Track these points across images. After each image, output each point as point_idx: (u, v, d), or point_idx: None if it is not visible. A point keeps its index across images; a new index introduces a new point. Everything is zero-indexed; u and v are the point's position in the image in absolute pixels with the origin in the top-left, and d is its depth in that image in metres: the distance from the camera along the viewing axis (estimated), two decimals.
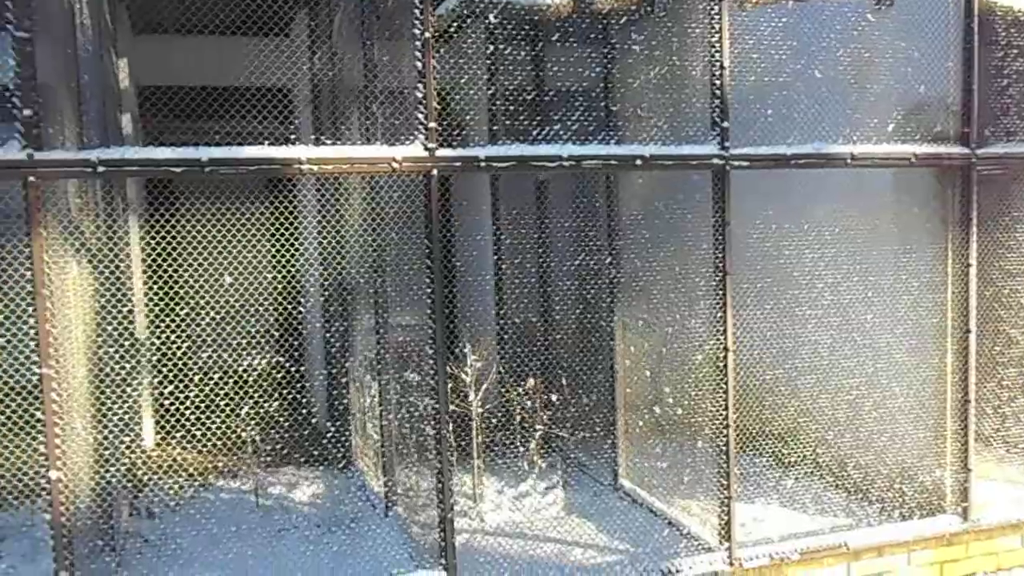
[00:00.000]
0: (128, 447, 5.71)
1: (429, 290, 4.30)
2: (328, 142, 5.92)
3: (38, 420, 3.77)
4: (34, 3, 3.73)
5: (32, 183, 3.67)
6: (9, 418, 4.04)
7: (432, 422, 4.41)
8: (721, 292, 4.70)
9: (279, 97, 6.09)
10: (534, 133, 4.85)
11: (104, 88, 6.36)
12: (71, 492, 3.88)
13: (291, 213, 8.50)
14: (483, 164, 4.33)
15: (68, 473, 3.84)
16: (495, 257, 7.30)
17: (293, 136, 8.61)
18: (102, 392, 4.93)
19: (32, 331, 3.71)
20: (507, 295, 7.25)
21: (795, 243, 5.09)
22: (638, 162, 4.55)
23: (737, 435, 4.81)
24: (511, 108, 5.64)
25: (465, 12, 4.65)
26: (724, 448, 4.77)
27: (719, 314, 4.72)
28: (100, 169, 3.76)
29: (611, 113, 5.87)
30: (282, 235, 6.35)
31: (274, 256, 6.40)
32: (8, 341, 3.84)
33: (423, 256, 4.29)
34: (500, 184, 7.41)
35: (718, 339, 4.75)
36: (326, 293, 7.06)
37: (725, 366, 4.72)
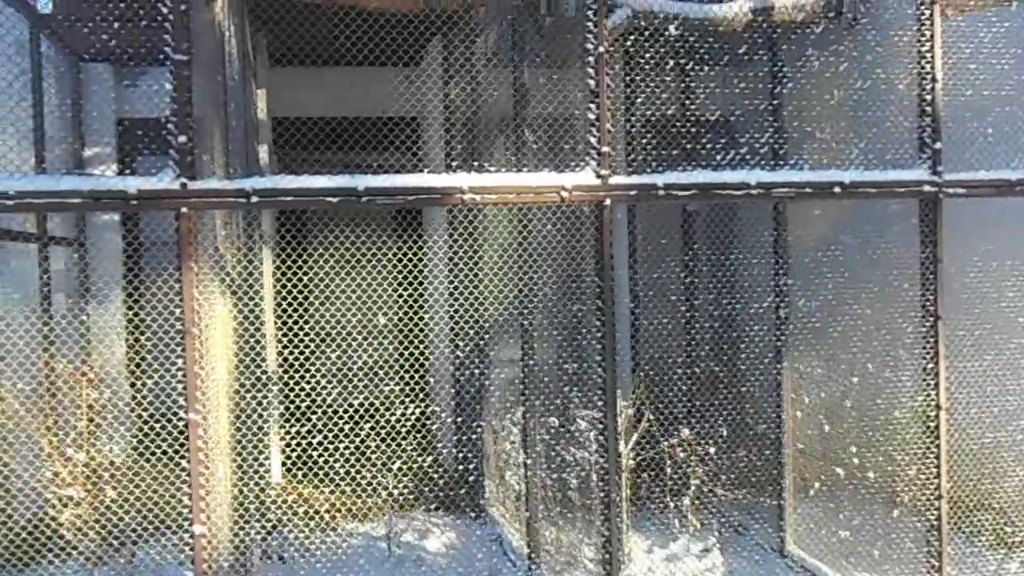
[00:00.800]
0: (261, 489, 5.47)
1: (599, 334, 3.83)
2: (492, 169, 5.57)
3: (182, 469, 3.50)
4: (191, 27, 3.53)
5: (185, 214, 3.43)
6: (154, 466, 3.79)
7: (598, 481, 3.91)
8: (932, 340, 4.03)
9: (410, 127, 5.83)
10: (709, 159, 4.33)
11: (246, 118, 6.26)
12: (213, 545, 3.58)
13: (424, 244, 8.25)
14: (662, 192, 3.85)
15: (212, 527, 3.54)
16: (631, 294, 6.78)
17: (423, 166, 8.41)
18: (239, 433, 4.68)
19: (180, 372, 3.45)
20: (650, 336, 6.70)
21: (1020, 284, 4.36)
22: (836, 189, 3.96)
23: (950, 508, 4.09)
24: (669, 133, 5.14)
25: (637, 26, 4.21)
26: (935, 523, 4.06)
27: (929, 366, 4.05)
28: (254, 199, 3.49)
29: (782, 136, 5.29)
30: (414, 268, 6.05)
31: (405, 290, 6.10)
32: (156, 383, 3.58)
33: (593, 296, 3.83)
34: (637, 213, 6.91)
35: (928, 395, 4.07)
36: (460, 330, 6.71)
37: (937, 426, 4.03)
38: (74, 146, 7.32)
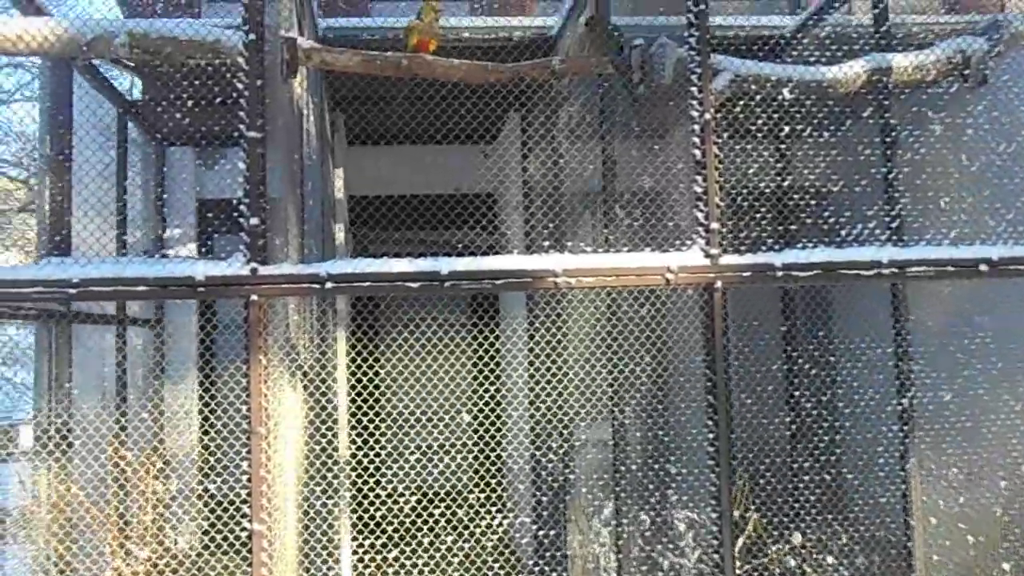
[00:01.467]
0: None
1: (711, 434, 3.35)
2: (586, 250, 5.20)
3: None
4: (267, 105, 3.32)
5: (255, 302, 3.15)
6: (220, 562, 3.44)
7: None
8: None
9: (487, 204, 5.56)
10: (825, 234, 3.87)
11: (323, 198, 6.11)
12: None
13: (501, 327, 7.90)
14: (780, 273, 3.41)
15: None
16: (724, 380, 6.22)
17: (501, 245, 8.13)
18: (307, 545, 4.29)
19: (244, 477, 3.12)
20: (750, 428, 6.11)
21: None
22: (983, 267, 3.45)
23: None
24: (780, 206, 4.68)
25: (742, 91, 3.84)
26: None
27: None
28: (329, 285, 3.20)
29: (900, 207, 4.79)
30: (491, 353, 5.68)
31: (481, 377, 5.72)
32: (229, 473, 3.25)
33: (704, 390, 3.36)
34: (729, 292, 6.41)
35: None
36: (541, 423, 6.25)
37: None
38: (156, 228, 7.31)
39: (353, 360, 7.05)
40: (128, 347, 6.41)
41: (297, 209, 4.63)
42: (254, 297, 3.15)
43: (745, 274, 3.40)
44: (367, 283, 3.22)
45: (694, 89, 3.45)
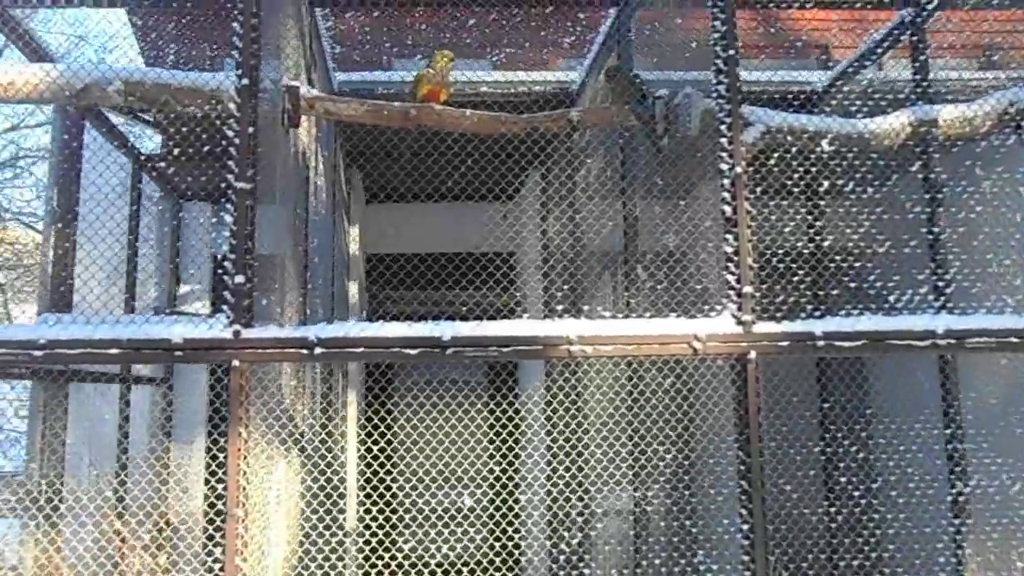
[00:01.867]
0: None
1: (745, 524, 2.95)
2: (603, 314, 4.88)
3: None
4: (258, 152, 3.08)
5: (236, 368, 2.85)
6: None
7: None
8: None
9: (507, 263, 5.27)
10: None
11: (333, 256, 5.86)
12: None
13: (518, 393, 7.53)
14: (821, 343, 3.04)
15: None
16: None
17: (519, 305, 7.81)
18: None
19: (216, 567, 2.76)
20: (782, 510, 5.63)
21: None
22: None
23: None
24: (818, 269, 4.32)
25: (775, 144, 3.54)
26: None
27: None
28: (318, 351, 2.89)
29: (946, 270, 4.40)
30: (508, 420, 5.32)
31: (497, 444, 5.34)
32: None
33: (738, 475, 2.98)
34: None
35: None
36: (558, 493, 5.83)
37: None
38: (170, 284, 7.11)
39: (363, 426, 6.69)
40: (133, 407, 6.14)
41: (299, 267, 4.37)
42: (235, 363, 2.84)
43: (782, 344, 3.04)
44: (360, 349, 2.91)
45: (724, 140, 3.15)
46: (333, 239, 5.77)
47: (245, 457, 2.82)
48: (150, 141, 7.15)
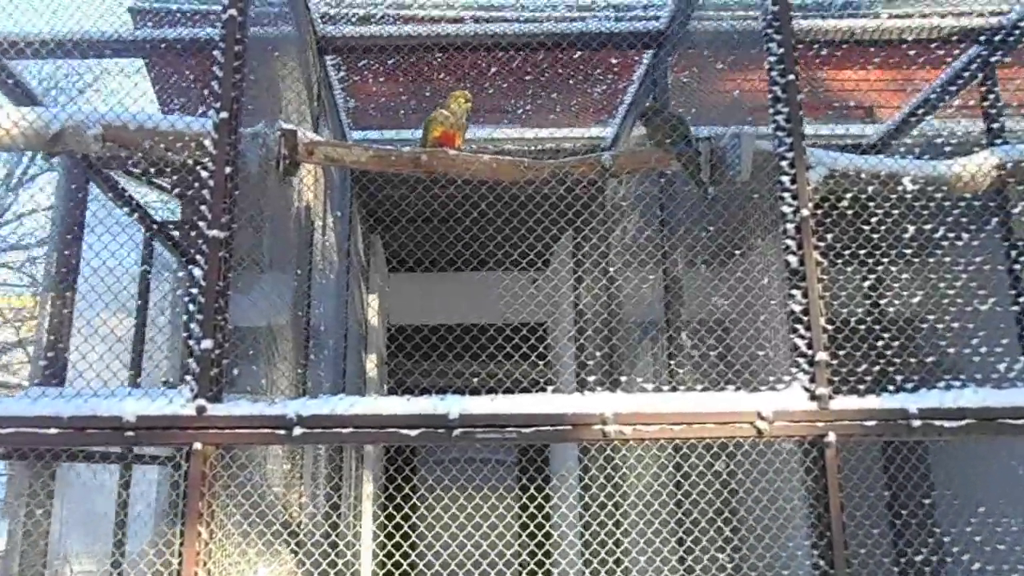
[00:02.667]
0: None
1: None
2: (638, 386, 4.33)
3: None
4: (239, 196, 2.65)
5: (198, 452, 2.34)
6: None
7: None
8: None
9: (536, 334, 4.78)
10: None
11: (347, 327, 5.39)
12: None
13: (550, 473, 6.92)
14: (917, 423, 2.46)
15: None
16: None
17: (552, 381, 7.26)
18: None
19: None
20: None
21: None
22: None
23: None
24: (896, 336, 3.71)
25: (839, 191, 3.03)
26: None
27: None
28: (298, 431, 2.38)
29: None
30: (538, 506, 4.71)
31: (528, 531, 4.73)
32: None
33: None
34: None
35: None
36: None
37: None
38: (181, 359, 6.67)
39: (382, 508, 6.11)
40: (135, 487, 5.63)
41: (298, 336, 3.91)
42: (197, 445, 2.34)
43: (867, 423, 2.46)
44: (349, 429, 2.39)
45: (785, 179, 2.65)
46: (347, 308, 5.31)
47: (206, 563, 2.29)
48: (166, 208, 6.85)
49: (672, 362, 4.14)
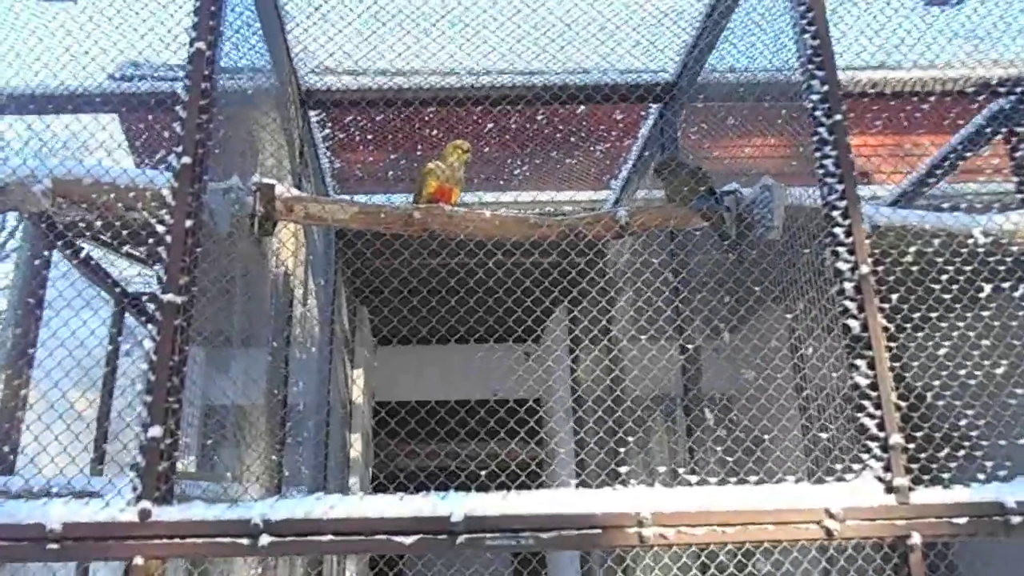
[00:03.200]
0: None
1: None
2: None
3: None
4: (196, 256, 2.24)
5: (139, 568, 1.88)
6: None
7: None
8: None
9: (530, 412, 4.35)
10: None
11: (329, 404, 4.93)
12: None
13: None
14: (1016, 520, 2.04)
15: None
16: None
17: (547, 461, 6.78)
18: None
19: None
20: None
21: None
22: None
23: None
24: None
25: (884, 248, 2.67)
26: None
27: None
28: (265, 540, 1.92)
29: None
30: None
31: None
32: None
33: None
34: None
35: None
36: None
37: None
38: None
39: None
40: None
41: (272, 418, 3.46)
42: (138, 560, 1.87)
43: (957, 520, 2.03)
44: (329, 536, 1.93)
45: (839, 231, 2.28)
46: (329, 385, 4.85)
47: None
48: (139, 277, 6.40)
49: (691, 441, 3.70)
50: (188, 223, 2.18)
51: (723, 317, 3.48)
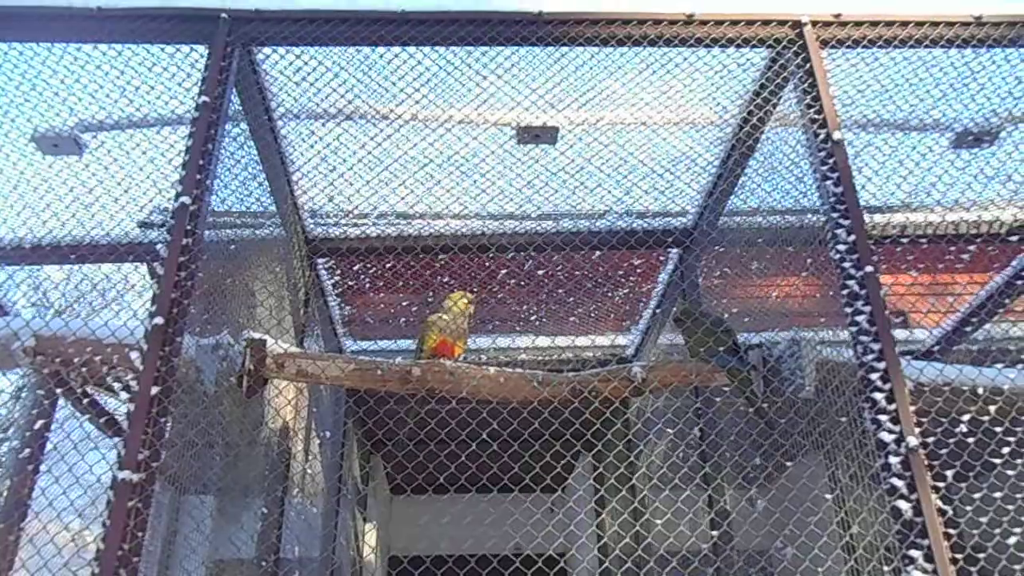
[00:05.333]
0: None
1: None
2: None
3: None
4: (161, 428, 2.04)
5: None
6: None
7: None
8: None
9: (555, 566, 3.98)
10: None
11: (333, 563, 4.57)
12: None
13: None
14: None
15: None
16: None
17: None
18: None
19: None
20: None
21: None
22: None
23: None
24: None
25: (929, 410, 2.39)
26: None
27: None
28: None
29: None
30: None
31: None
32: None
33: None
34: None
35: None
36: None
37: None
38: None
39: None
40: None
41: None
42: None
43: None
44: None
45: (879, 397, 2.02)
46: (334, 542, 4.52)
47: None
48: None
49: None
50: (155, 390, 1.99)
51: (751, 474, 3.16)
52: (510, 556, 4.53)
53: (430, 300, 4.22)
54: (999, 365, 2.90)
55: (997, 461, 2.19)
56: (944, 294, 5.24)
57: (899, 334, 5.13)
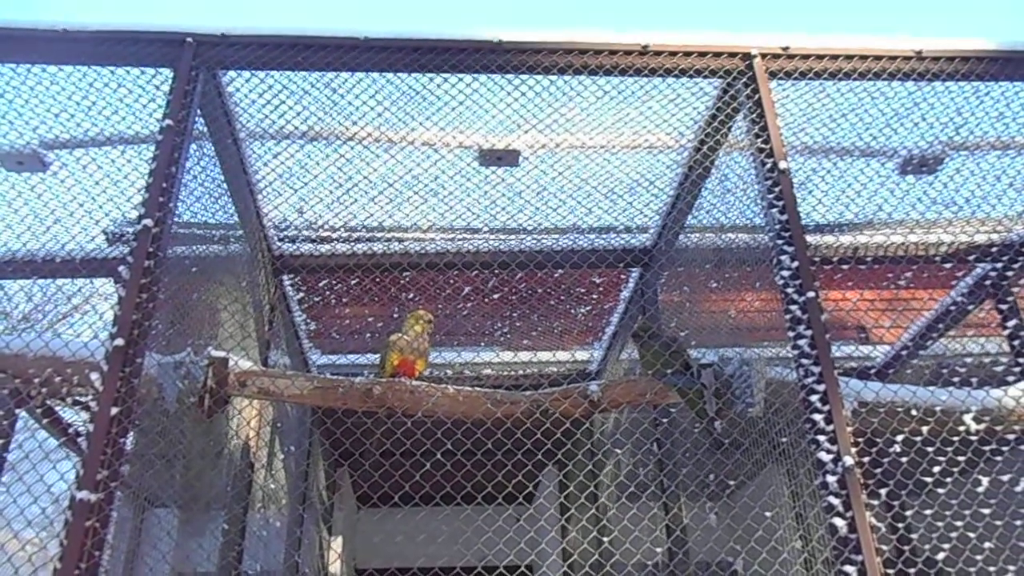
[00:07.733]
0: None
1: None
2: None
3: None
4: (120, 449, 2.07)
5: None
6: None
7: None
8: None
9: None
10: None
11: (303, 574, 4.59)
12: None
13: None
14: None
15: None
16: None
17: None
18: None
19: None
20: None
21: None
22: None
23: None
24: None
25: (871, 428, 2.49)
26: None
27: None
28: None
29: None
30: None
31: None
32: None
33: None
34: None
35: None
36: None
37: None
38: None
39: None
40: None
41: None
42: None
43: None
44: None
45: (817, 418, 2.11)
46: (296, 555, 4.53)
47: None
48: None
49: None
50: (114, 410, 2.02)
51: (709, 488, 3.24)
52: (480, 569, 4.58)
53: (395, 316, 4.27)
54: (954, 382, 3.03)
55: (928, 480, 2.29)
56: (903, 310, 5.40)
57: (850, 349, 5.27)
